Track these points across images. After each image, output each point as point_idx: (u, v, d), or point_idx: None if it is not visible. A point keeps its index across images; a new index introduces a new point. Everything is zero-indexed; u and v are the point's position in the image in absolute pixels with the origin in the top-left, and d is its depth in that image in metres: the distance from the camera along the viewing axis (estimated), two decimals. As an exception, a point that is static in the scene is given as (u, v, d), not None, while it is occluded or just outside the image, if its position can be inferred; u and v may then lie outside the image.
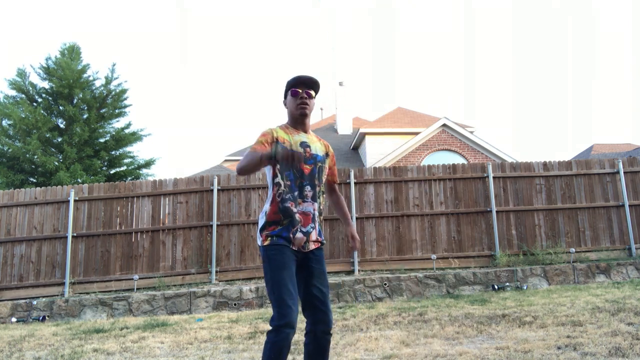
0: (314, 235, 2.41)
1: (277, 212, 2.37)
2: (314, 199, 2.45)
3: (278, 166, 2.40)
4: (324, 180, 2.56)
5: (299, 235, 2.35)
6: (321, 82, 2.53)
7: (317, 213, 2.46)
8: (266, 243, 2.34)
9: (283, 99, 2.53)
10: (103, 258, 7.90)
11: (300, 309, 2.31)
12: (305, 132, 2.52)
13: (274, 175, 2.42)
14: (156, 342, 4.65)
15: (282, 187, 2.39)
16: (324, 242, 2.55)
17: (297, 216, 2.36)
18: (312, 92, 2.48)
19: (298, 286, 2.33)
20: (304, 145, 2.47)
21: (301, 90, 2.45)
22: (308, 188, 2.44)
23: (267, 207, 2.43)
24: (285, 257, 2.30)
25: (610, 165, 8.55)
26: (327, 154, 2.58)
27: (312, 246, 2.41)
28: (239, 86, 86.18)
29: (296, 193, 2.39)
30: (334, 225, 8.10)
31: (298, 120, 2.49)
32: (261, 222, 2.42)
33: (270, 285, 2.26)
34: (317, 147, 2.53)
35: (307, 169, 2.45)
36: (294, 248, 2.34)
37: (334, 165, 2.68)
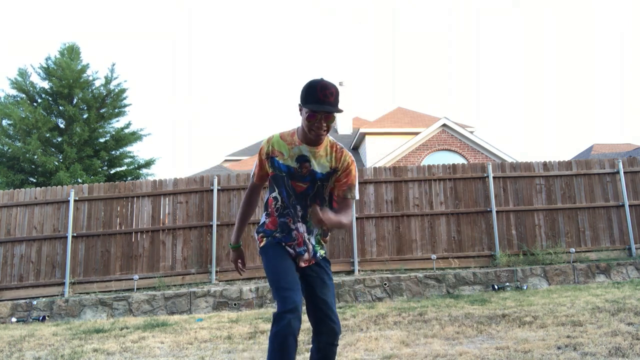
0: (306, 256, 2.28)
1: (275, 225, 2.29)
2: (304, 220, 2.27)
3: (273, 181, 2.29)
4: (326, 200, 2.29)
5: (292, 251, 2.26)
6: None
7: (307, 235, 2.28)
8: (262, 243, 2.30)
9: (299, 103, 2.15)
10: (103, 258, 7.90)
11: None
12: (313, 144, 2.20)
13: (271, 189, 2.32)
14: (156, 342, 4.65)
15: (279, 202, 2.28)
16: (326, 258, 2.39)
17: (294, 233, 2.26)
18: (333, 116, 2.11)
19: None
20: (302, 159, 2.21)
21: (319, 116, 2.08)
22: (298, 208, 2.25)
23: (265, 218, 2.34)
24: (282, 250, 2.24)
25: (610, 165, 8.55)
26: (334, 170, 2.23)
27: (303, 264, 2.28)
28: (239, 86, 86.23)
29: (291, 210, 2.26)
30: (334, 225, 8.08)
31: (309, 138, 2.18)
32: (259, 227, 2.37)
33: (270, 276, 2.17)
34: (321, 162, 2.21)
35: (300, 187, 2.23)
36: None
37: (347, 178, 2.23)
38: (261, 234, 2.32)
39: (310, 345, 2.30)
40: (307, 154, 2.20)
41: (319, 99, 2.05)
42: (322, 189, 2.25)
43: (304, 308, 2.14)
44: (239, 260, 2.45)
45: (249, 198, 2.42)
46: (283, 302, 2.00)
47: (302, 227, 2.27)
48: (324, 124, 2.10)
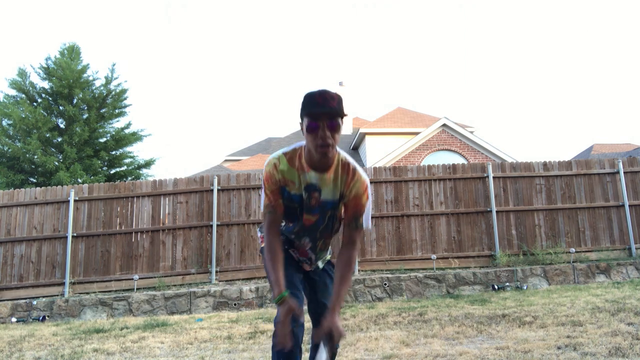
0: (307, 267, 2.20)
1: None
2: (313, 250, 2.13)
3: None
4: (336, 228, 2.13)
5: (294, 255, 2.17)
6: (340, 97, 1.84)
7: (312, 254, 2.16)
8: (264, 244, 2.20)
9: (300, 120, 1.85)
10: (103, 258, 7.90)
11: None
12: (322, 169, 1.90)
13: None
14: (156, 342, 4.65)
15: (283, 225, 2.09)
16: (330, 261, 2.29)
17: (292, 251, 2.16)
18: (338, 123, 1.78)
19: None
20: (311, 189, 1.93)
21: (322, 123, 1.76)
22: (306, 240, 2.09)
23: None
24: (284, 251, 2.13)
25: (610, 165, 8.55)
26: (342, 195, 1.96)
27: (307, 268, 2.19)
28: (239, 86, 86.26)
29: (292, 237, 2.10)
30: (334, 225, 8.08)
31: (317, 158, 1.87)
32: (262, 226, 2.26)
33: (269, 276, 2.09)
34: (330, 188, 1.94)
35: (309, 220, 2.02)
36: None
37: (358, 204, 1.94)
38: (263, 234, 2.24)
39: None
40: (316, 182, 1.92)
41: (319, 103, 1.76)
42: (332, 219, 2.04)
43: (305, 307, 2.11)
44: (291, 315, 1.82)
45: (275, 233, 1.99)
46: None
47: (306, 257, 2.16)
48: (329, 133, 1.76)
